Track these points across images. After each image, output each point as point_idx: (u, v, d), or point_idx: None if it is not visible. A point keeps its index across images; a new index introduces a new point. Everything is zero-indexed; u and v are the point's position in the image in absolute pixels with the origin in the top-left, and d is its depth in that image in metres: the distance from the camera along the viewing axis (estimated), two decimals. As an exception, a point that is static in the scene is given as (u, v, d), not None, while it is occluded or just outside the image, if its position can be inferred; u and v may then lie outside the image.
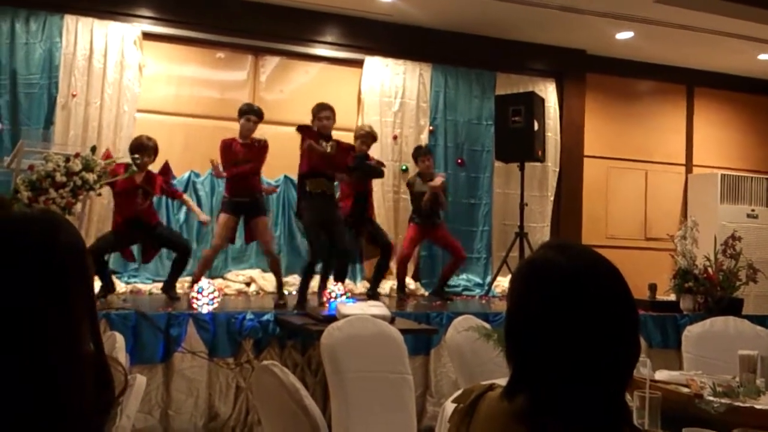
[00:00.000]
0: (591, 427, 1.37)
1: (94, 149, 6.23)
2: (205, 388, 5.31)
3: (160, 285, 7.41)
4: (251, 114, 6.69)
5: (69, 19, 7.51)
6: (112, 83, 7.62)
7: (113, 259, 7.58)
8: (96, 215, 7.35)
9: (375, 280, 7.41)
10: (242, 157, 6.60)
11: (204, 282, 5.86)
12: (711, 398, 2.70)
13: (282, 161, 7.58)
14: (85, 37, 7.55)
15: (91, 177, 5.85)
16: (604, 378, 1.39)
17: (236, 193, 6.63)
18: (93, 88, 7.54)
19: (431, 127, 8.92)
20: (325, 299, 6.28)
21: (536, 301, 1.44)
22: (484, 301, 8.13)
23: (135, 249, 6.97)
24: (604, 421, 1.38)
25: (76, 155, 5.91)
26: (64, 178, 5.70)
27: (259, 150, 6.67)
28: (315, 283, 6.60)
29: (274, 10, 8.11)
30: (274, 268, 6.85)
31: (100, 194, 6.33)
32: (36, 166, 5.76)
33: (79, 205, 5.98)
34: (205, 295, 5.67)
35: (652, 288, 7.08)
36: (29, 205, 5.50)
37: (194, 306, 5.62)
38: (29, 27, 7.41)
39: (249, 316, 5.44)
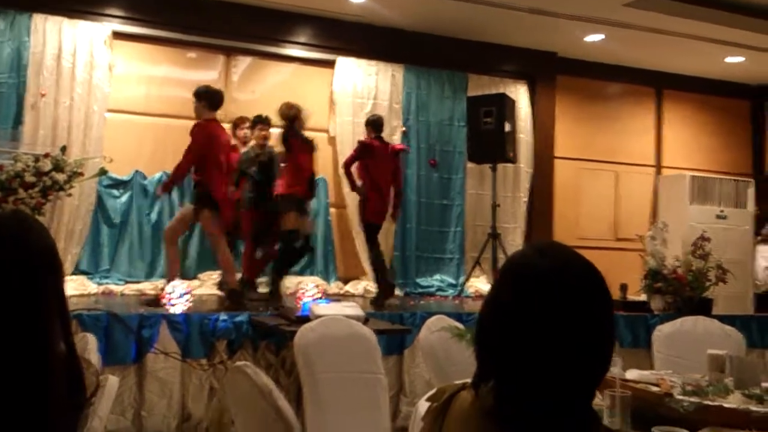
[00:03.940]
0: (562, 426, 1.38)
1: (63, 149, 6.18)
2: (178, 389, 5.27)
3: (132, 286, 7.40)
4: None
5: (37, 18, 7.42)
6: (81, 83, 7.54)
7: (86, 259, 7.53)
8: (66, 215, 7.26)
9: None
10: None
11: (176, 282, 5.83)
12: (680, 397, 2.73)
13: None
14: (54, 37, 7.46)
15: (61, 177, 5.81)
16: (572, 379, 1.39)
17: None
18: (62, 88, 7.46)
19: (404, 128, 8.94)
20: None
21: (508, 297, 1.45)
22: (456, 302, 8.15)
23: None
24: (574, 422, 1.39)
25: (46, 155, 5.87)
26: (33, 179, 5.66)
27: None
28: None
29: (245, 10, 8.08)
30: None
31: (70, 194, 6.26)
32: (5, 166, 5.70)
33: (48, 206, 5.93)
34: (178, 296, 5.64)
35: (623, 288, 7.14)
36: (-2, 205, 5.45)
37: (167, 306, 5.59)
38: (-3, 26, 7.33)
39: (222, 316, 5.41)
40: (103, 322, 5.10)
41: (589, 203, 10.01)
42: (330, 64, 8.75)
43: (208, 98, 6.33)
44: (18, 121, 7.29)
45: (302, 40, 8.53)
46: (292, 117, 6.96)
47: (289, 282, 7.37)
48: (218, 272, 7.79)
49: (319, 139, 7.23)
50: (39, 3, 7.45)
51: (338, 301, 5.98)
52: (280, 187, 7.05)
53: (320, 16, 8.39)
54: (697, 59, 9.66)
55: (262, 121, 7.30)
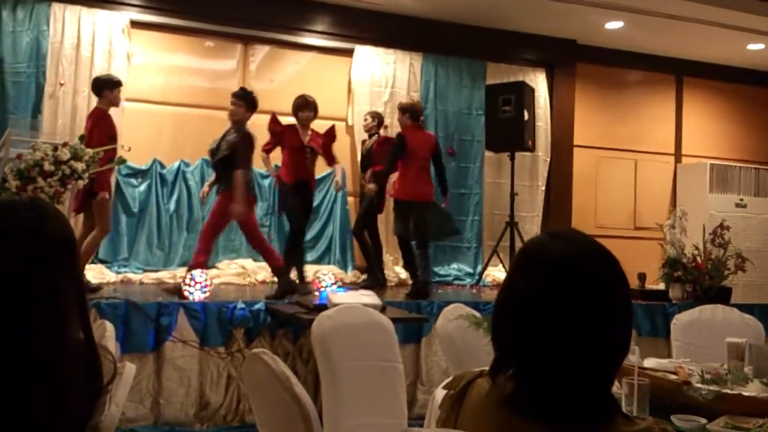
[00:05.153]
0: (580, 413, 1.37)
1: (82, 138, 6.19)
2: (196, 377, 5.31)
3: (150, 275, 7.43)
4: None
5: (56, 7, 7.46)
6: (100, 72, 7.56)
7: (104, 248, 7.56)
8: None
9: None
10: None
11: (196, 271, 5.84)
12: (699, 385, 2.71)
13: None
14: (73, 26, 7.50)
15: (79, 166, 5.81)
16: (588, 364, 1.38)
17: None
18: (81, 77, 7.50)
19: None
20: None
21: (522, 282, 1.44)
22: (474, 291, 8.14)
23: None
24: (592, 408, 1.38)
25: (65, 144, 5.86)
26: (52, 167, 5.66)
27: None
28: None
29: (263, -1, 8.09)
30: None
31: (88, 183, 6.28)
32: (24, 155, 5.72)
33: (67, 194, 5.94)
34: (197, 284, 5.66)
35: (642, 277, 7.10)
36: (17, 194, 5.47)
37: (186, 295, 5.61)
38: (16, 15, 7.36)
39: (240, 305, 5.43)
40: (122, 310, 5.14)
41: (608, 192, 9.97)
42: (348, 52, 8.74)
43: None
44: (37, 110, 7.36)
45: (320, 28, 8.52)
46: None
47: (308, 270, 7.38)
48: (237, 261, 7.85)
49: (337, 128, 7.19)
50: (58, -8, 7.49)
51: (355, 289, 5.98)
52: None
53: (338, 4, 8.38)
54: (718, 46, 9.57)
55: (235, 95, 6.37)
